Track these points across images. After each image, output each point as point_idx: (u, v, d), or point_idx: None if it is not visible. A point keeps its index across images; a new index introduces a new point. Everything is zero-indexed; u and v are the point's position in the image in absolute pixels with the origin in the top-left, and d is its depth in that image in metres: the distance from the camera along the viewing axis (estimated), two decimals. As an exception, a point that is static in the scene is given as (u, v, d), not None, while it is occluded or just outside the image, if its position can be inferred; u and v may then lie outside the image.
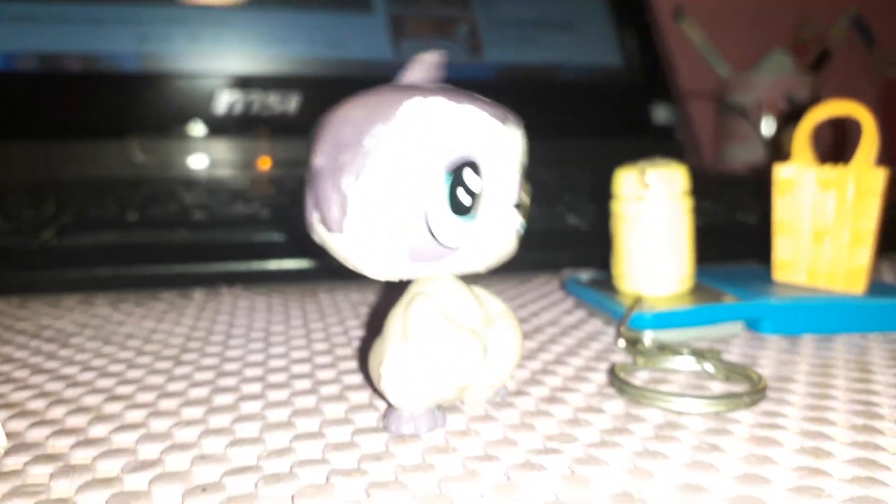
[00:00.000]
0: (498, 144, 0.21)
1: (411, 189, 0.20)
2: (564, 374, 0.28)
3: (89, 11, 0.64)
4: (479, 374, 0.23)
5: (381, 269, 0.21)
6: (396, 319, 0.23)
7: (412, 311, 0.22)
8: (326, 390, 0.27)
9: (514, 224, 0.22)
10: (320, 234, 0.22)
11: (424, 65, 0.23)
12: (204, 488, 0.19)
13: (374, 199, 0.20)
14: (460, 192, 0.20)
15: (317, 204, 0.21)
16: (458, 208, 0.21)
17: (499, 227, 0.22)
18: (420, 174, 0.20)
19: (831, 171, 0.35)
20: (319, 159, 0.21)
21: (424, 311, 0.22)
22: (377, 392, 0.25)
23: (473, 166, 0.21)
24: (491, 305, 0.25)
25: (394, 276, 0.22)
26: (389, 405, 0.23)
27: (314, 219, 0.22)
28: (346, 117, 0.21)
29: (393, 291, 0.24)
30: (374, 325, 0.35)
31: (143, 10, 0.65)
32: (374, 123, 0.20)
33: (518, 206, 0.22)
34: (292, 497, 0.18)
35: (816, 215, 0.36)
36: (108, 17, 0.65)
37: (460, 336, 0.22)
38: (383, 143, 0.20)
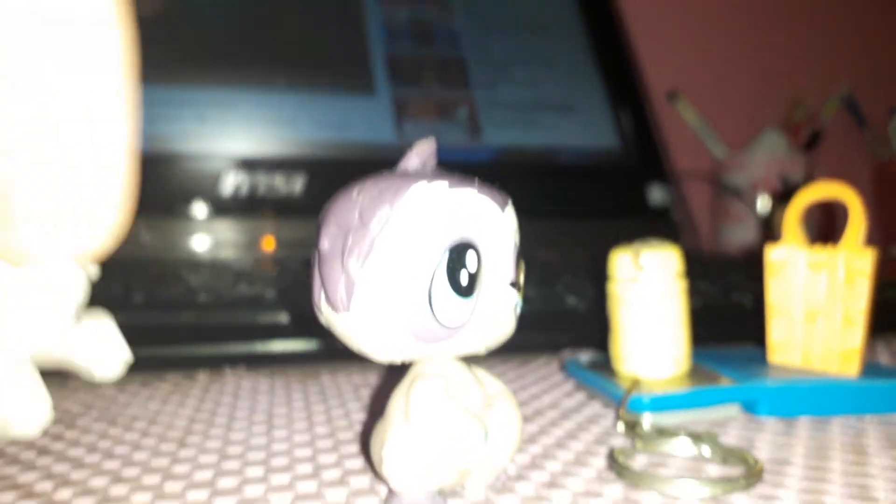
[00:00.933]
0: (496, 226, 0.22)
1: (415, 271, 0.21)
2: (564, 459, 0.28)
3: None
4: (480, 458, 0.23)
5: (385, 350, 0.22)
6: (398, 402, 0.23)
7: (414, 394, 0.23)
8: (328, 475, 0.27)
9: (511, 302, 0.23)
10: (326, 314, 0.22)
11: (422, 152, 0.24)
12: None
13: (380, 280, 0.21)
14: (461, 273, 0.21)
15: (323, 285, 0.22)
16: (459, 289, 0.21)
17: (497, 307, 0.23)
18: (423, 256, 0.21)
19: (821, 253, 0.36)
20: (326, 242, 0.22)
21: (427, 393, 0.22)
22: (378, 476, 0.25)
23: (473, 248, 0.22)
24: (489, 386, 0.25)
25: (397, 357, 0.23)
26: (390, 489, 0.23)
27: (321, 299, 0.22)
28: (352, 202, 0.22)
29: (395, 373, 0.25)
30: (376, 408, 0.35)
31: (149, 92, 0.68)
32: (379, 207, 0.21)
33: (514, 285, 0.23)
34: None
35: (808, 297, 0.36)
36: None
37: (463, 420, 0.22)
38: (388, 226, 0.21)
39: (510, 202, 0.23)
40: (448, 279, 0.21)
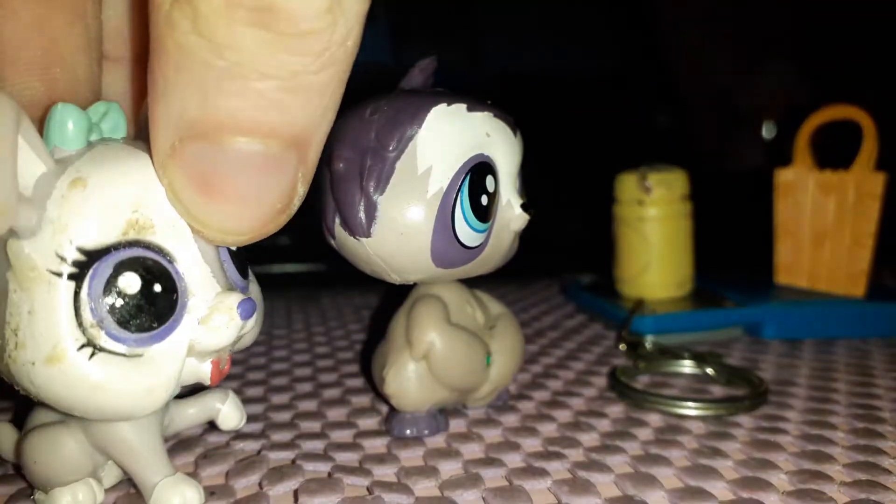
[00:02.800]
0: (509, 149, 0.22)
1: (437, 194, 0.20)
2: (566, 378, 0.28)
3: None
4: (480, 378, 0.23)
5: (403, 273, 0.21)
6: (399, 324, 0.23)
7: (414, 316, 0.22)
8: (328, 394, 0.27)
9: (521, 225, 0.22)
10: (340, 239, 0.21)
11: (425, 69, 0.23)
12: (213, 492, 0.19)
13: (401, 204, 0.20)
14: (482, 196, 0.21)
15: (338, 209, 0.21)
16: (480, 211, 0.21)
17: (509, 229, 0.22)
18: (445, 179, 0.20)
19: (831, 175, 0.35)
20: (339, 164, 0.21)
21: (426, 314, 0.22)
22: (380, 396, 0.25)
23: (492, 171, 0.21)
24: (492, 308, 0.25)
25: (413, 280, 0.22)
26: (391, 408, 0.23)
27: (334, 224, 0.21)
28: (366, 122, 0.21)
29: (396, 295, 0.24)
30: (377, 329, 0.35)
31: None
32: (397, 128, 0.20)
33: (525, 207, 0.22)
34: (295, 493, 0.19)
35: (816, 218, 0.36)
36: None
37: (463, 342, 0.22)
38: (408, 147, 0.20)
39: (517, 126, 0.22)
40: (469, 202, 0.21)
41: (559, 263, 0.47)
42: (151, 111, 0.15)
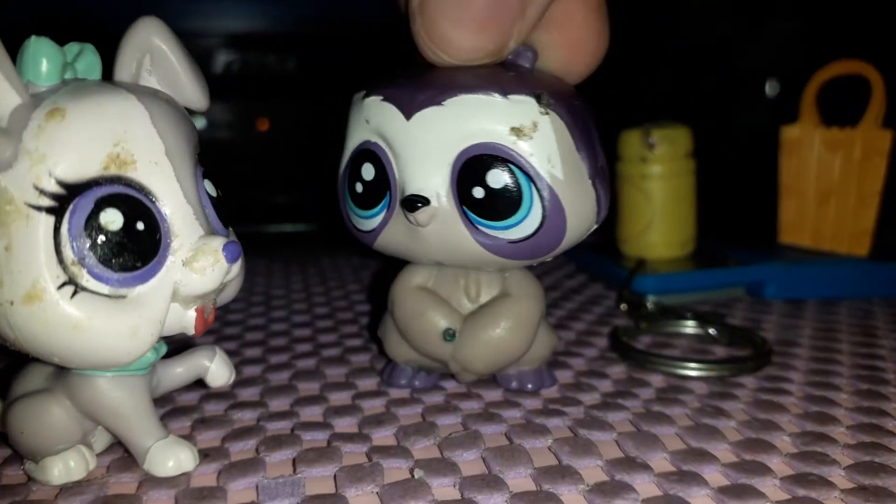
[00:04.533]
0: (401, 135, 0.20)
1: (340, 176, 0.22)
2: (566, 338, 0.28)
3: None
4: (445, 355, 0.22)
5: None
6: None
7: (395, 281, 0.23)
8: (327, 353, 0.27)
9: (413, 220, 0.20)
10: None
11: None
12: (207, 454, 0.19)
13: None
14: (356, 183, 0.21)
15: None
16: (355, 198, 0.21)
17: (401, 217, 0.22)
18: (343, 163, 0.22)
19: (838, 133, 0.35)
20: None
21: (403, 278, 0.23)
22: (377, 355, 0.25)
23: (372, 158, 0.21)
24: (502, 287, 0.22)
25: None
26: (386, 364, 0.24)
27: None
28: None
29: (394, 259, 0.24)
30: (377, 290, 0.35)
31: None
32: None
33: (411, 201, 0.20)
34: (293, 461, 0.18)
35: (822, 176, 0.35)
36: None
37: (418, 305, 0.22)
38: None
39: (428, 105, 0.19)
40: (347, 187, 0.21)
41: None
42: None
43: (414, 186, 0.20)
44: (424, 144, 0.19)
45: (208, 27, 0.62)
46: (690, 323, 0.29)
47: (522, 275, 0.22)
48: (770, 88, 0.89)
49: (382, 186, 0.20)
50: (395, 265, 0.23)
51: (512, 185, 0.19)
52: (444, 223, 0.20)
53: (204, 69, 0.18)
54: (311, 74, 0.61)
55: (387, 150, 0.20)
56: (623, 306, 0.31)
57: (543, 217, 0.19)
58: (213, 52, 0.61)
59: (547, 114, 0.19)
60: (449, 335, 0.21)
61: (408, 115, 0.19)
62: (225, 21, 0.65)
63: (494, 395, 0.23)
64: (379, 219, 0.21)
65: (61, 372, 0.17)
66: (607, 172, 0.21)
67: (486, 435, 0.20)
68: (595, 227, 0.21)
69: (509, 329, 0.21)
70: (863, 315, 0.31)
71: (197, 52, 0.18)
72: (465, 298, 0.22)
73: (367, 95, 0.20)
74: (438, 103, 0.19)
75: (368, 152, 0.20)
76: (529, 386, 0.23)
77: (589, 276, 0.38)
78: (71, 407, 0.17)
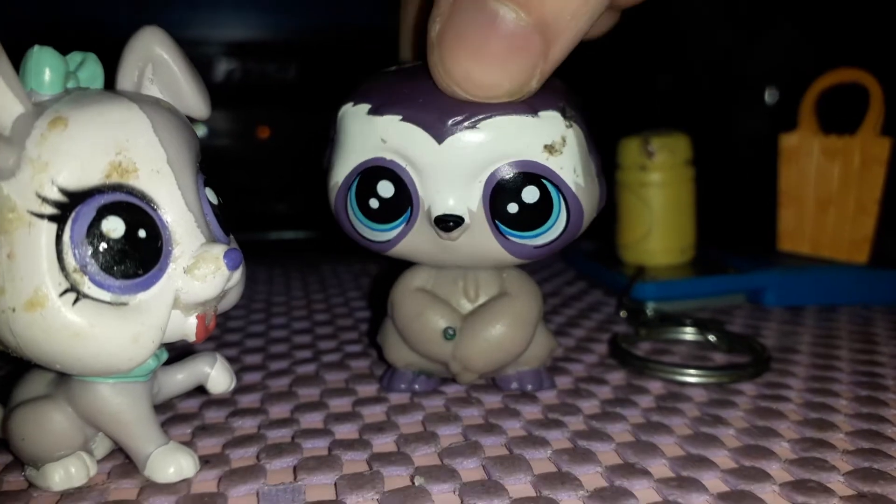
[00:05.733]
0: (428, 156, 0.20)
1: (333, 185, 0.21)
2: (566, 345, 0.28)
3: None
4: (446, 355, 0.22)
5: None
6: None
7: (394, 285, 0.23)
8: (327, 359, 0.27)
9: (446, 236, 0.21)
10: None
11: None
12: (207, 461, 0.19)
13: (329, 189, 0.22)
14: (370, 199, 0.21)
15: None
16: (369, 213, 0.21)
17: (424, 233, 0.21)
18: (339, 175, 0.21)
19: (837, 140, 0.35)
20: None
21: (403, 281, 0.23)
22: (377, 361, 0.25)
23: (391, 175, 0.20)
24: (501, 286, 0.23)
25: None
26: (386, 370, 0.24)
27: None
28: None
29: (396, 264, 0.24)
30: (377, 297, 0.35)
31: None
32: (334, 118, 0.21)
33: (443, 221, 0.20)
34: (294, 469, 0.18)
35: (821, 184, 0.35)
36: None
37: (417, 305, 0.22)
38: (334, 139, 0.21)
39: (461, 129, 0.19)
40: (356, 202, 0.21)
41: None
42: None
43: (445, 205, 0.20)
44: (456, 166, 0.19)
45: (209, 35, 0.62)
46: (690, 330, 0.29)
47: (519, 273, 0.23)
48: (769, 96, 0.89)
49: (403, 203, 0.20)
50: (393, 271, 0.23)
51: (544, 198, 0.20)
52: (474, 236, 0.20)
53: (204, 77, 0.18)
54: (312, 83, 0.61)
55: (408, 169, 0.20)
56: (623, 313, 0.31)
57: (568, 219, 0.20)
58: (213, 61, 0.61)
59: (571, 126, 0.19)
60: (449, 334, 0.22)
61: (439, 140, 0.19)
62: (225, 29, 0.65)
63: (494, 400, 0.23)
64: (395, 232, 0.21)
65: (62, 378, 0.17)
66: (604, 171, 0.22)
67: (487, 446, 0.20)
68: (594, 215, 0.21)
69: (509, 326, 0.22)
70: (862, 322, 0.31)
71: (197, 60, 0.18)
72: (464, 298, 0.22)
73: (375, 112, 0.20)
74: (472, 127, 0.19)
75: (386, 170, 0.20)
76: (529, 387, 0.23)
77: (589, 283, 0.38)
78: (72, 413, 0.17)
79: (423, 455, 0.19)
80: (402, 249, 0.21)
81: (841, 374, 0.25)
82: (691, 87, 0.80)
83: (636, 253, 0.35)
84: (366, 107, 0.20)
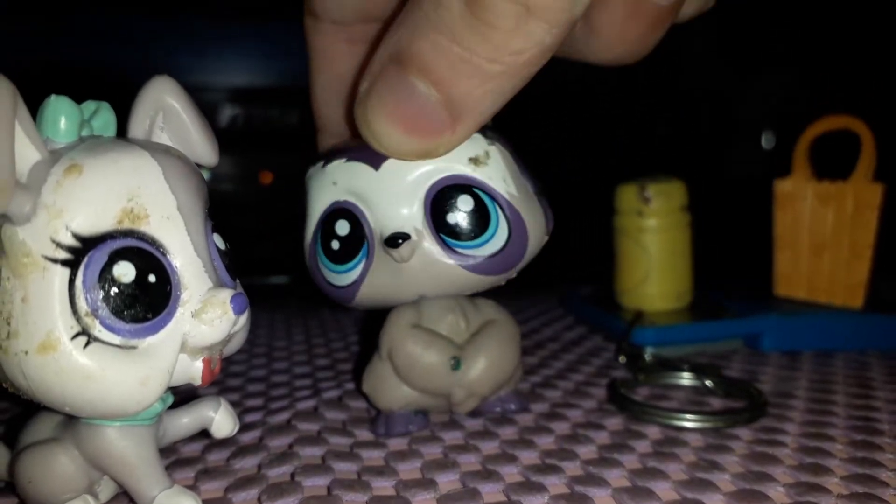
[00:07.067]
0: (373, 185, 0.22)
1: (308, 244, 0.24)
2: (565, 390, 0.28)
3: (95, 23, 0.65)
4: (451, 385, 0.23)
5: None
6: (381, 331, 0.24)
7: (386, 322, 0.24)
8: (327, 395, 0.27)
9: (398, 257, 0.22)
10: None
11: None
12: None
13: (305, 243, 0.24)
14: (332, 241, 0.23)
15: None
16: (331, 254, 0.23)
17: (383, 263, 0.23)
18: (311, 229, 0.24)
19: (830, 186, 0.35)
20: None
21: (393, 323, 0.23)
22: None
23: (346, 214, 0.22)
24: (486, 314, 0.24)
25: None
26: (377, 412, 0.25)
27: None
28: None
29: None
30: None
31: (145, 24, 0.66)
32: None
33: (393, 240, 0.22)
34: (294, 513, 0.19)
35: (815, 229, 0.36)
36: (113, 31, 0.65)
37: (422, 343, 0.23)
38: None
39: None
40: (321, 247, 0.23)
41: (558, 275, 0.47)
42: (387, 33, 0.20)
43: (392, 227, 0.22)
44: (395, 188, 0.22)
45: (213, 81, 0.64)
46: (687, 375, 0.29)
47: (493, 302, 0.25)
48: (766, 141, 0.90)
49: (358, 238, 0.22)
50: (377, 317, 0.24)
51: (479, 206, 0.22)
52: (425, 254, 0.22)
53: (209, 122, 0.19)
54: (314, 128, 0.62)
55: (358, 203, 0.22)
56: (622, 358, 0.31)
57: (510, 229, 0.22)
58: (217, 106, 0.62)
59: (493, 144, 0.22)
60: (455, 364, 0.23)
61: (376, 167, 0.21)
62: (229, 76, 0.66)
63: (491, 446, 0.23)
64: (358, 271, 0.22)
65: (69, 421, 0.18)
66: (545, 193, 0.24)
67: (485, 492, 0.20)
68: (546, 238, 0.23)
69: (508, 348, 0.24)
70: (858, 367, 0.31)
71: (202, 105, 0.19)
72: (456, 331, 0.24)
73: (326, 163, 0.23)
74: None
75: (341, 210, 0.22)
76: (512, 407, 0.25)
77: (588, 328, 0.38)
78: (78, 456, 0.17)
79: (423, 500, 0.19)
80: (365, 291, 0.23)
81: (836, 419, 0.25)
82: (688, 133, 0.81)
83: (634, 298, 0.35)
84: (321, 163, 0.23)
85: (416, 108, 0.19)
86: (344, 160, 0.22)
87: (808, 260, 0.36)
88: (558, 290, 0.46)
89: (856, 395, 0.27)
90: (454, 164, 0.21)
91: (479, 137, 0.22)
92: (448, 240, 0.22)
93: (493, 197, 0.22)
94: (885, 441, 0.23)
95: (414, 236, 0.22)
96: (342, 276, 0.23)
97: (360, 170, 0.22)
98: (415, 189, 0.22)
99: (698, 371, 0.29)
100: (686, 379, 0.29)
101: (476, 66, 0.18)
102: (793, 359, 0.32)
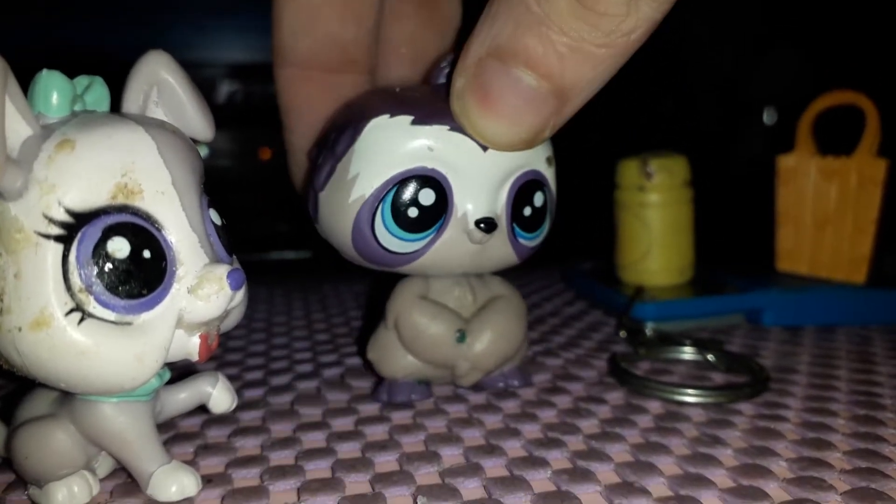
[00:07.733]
0: (471, 162, 0.21)
1: (356, 199, 0.21)
2: (566, 364, 0.28)
3: (92, 2, 0.64)
4: (455, 357, 0.23)
5: (356, 262, 0.23)
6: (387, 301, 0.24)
7: (393, 292, 0.24)
8: (329, 377, 0.27)
9: (480, 238, 0.22)
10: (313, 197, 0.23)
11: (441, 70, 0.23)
12: (209, 479, 0.19)
13: (334, 203, 0.22)
14: (408, 208, 0.21)
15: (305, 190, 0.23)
16: (405, 222, 0.21)
17: (458, 242, 0.22)
18: (369, 187, 0.21)
19: (833, 161, 0.35)
20: (313, 151, 0.24)
21: (400, 294, 0.24)
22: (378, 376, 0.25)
23: (432, 183, 0.21)
24: (493, 289, 0.25)
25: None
26: (378, 380, 0.25)
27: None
28: (343, 111, 0.23)
29: (396, 280, 0.24)
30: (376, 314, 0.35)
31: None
32: (345, 131, 0.22)
33: (483, 224, 0.22)
34: (297, 491, 0.19)
35: (818, 204, 0.36)
36: (109, 5, 0.64)
37: (428, 314, 0.23)
38: (348, 152, 0.22)
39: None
40: (391, 212, 0.21)
41: (559, 250, 0.47)
42: (475, 30, 0.19)
43: (481, 210, 0.22)
44: (492, 173, 0.22)
45: (212, 57, 0.63)
46: (689, 349, 0.29)
47: (499, 277, 0.25)
48: (768, 117, 0.89)
49: (440, 211, 0.21)
50: (383, 287, 0.24)
51: (546, 203, 0.23)
52: (494, 239, 0.22)
53: (207, 99, 0.19)
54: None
55: (449, 177, 0.21)
56: (622, 333, 0.31)
57: (549, 225, 0.24)
58: (216, 82, 0.61)
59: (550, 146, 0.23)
60: (461, 336, 0.23)
61: (485, 147, 0.21)
62: (228, 51, 0.66)
63: (495, 421, 0.23)
64: (425, 241, 0.22)
65: (66, 397, 0.17)
66: None
67: (488, 466, 0.20)
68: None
69: (514, 322, 0.24)
70: (860, 342, 0.31)
71: (200, 82, 0.19)
72: (464, 304, 0.24)
73: (421, 122, 0.21)
74: None
75: (428, 178, 0.21)
76: (515, 383, 0.25)
77: (588, 303, 0.38)
78: (75, 432, 0.17)
79: (426, 473, 0.19)
80: (425, 260, 0.22)
81: (839, 394, 0.25)
82: (691, 109, 0.81)
83: (635, 273, 0.35)
84: (407, 118, 0.21)
85: (523, 101, 0.19)
86: (447, 128, 0.21)
87: (810, 235, 0.36)
88: (560, 264, 0.46)
89: (858, 370, 0.27)
90: (537, 161, 0.22)
91: (548, 140, 0.22)
92: (517, 229, 0.23)
93: (552, 196, 0.23)
94: (888, 416, 0.23)
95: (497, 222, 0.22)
96: (406, 244, 0.22)
97: (465, 145, 0.21)
98: (505, 178, 0.22)
99: (700, 346, 0.29)
100: (687, 354, 0.29)
101: (587, 53, 0.18)
102: (794, 334, 0.32)
